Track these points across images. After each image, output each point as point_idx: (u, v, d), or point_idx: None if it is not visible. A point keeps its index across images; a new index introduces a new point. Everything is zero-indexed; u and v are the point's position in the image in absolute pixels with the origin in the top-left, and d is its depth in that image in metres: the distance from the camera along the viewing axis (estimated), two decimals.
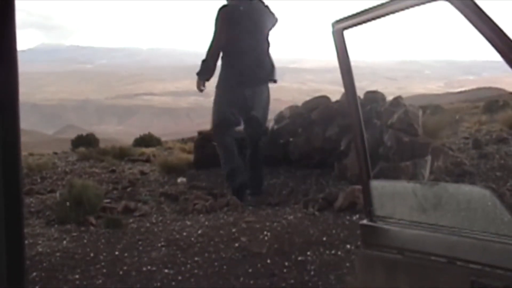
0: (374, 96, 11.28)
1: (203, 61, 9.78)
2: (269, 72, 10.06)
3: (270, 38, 10.13)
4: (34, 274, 6.90)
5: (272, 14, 10.11)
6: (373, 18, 3.50)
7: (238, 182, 10.02)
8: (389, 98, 11.48)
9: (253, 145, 10.35)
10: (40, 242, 8.10)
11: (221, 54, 9.85)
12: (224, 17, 9.61)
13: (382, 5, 3.37)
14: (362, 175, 3.85)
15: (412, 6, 3.22)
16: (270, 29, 10.11)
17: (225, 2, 9.97)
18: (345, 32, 3.74)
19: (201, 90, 10.01)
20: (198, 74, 9.82)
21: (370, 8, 3.48)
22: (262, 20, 9.90)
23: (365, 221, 3.77)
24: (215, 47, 9.67)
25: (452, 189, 3.40)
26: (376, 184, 3.74)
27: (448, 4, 2.91)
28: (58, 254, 7.72)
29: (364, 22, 3.61)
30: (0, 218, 1.34)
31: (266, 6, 10.08)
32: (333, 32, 3.75)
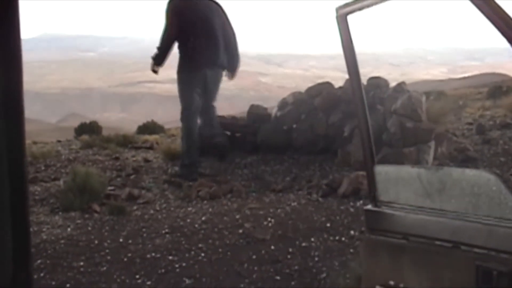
0: (377, 82, 11.26)
1: (158, 48, 10.65)
2: (223, 59, 10.98)
3: (234, 31, 11.23)
4: (39, 261, 6.92)
5: (223, 11, 11.00)
6: (377, 3, 3.49)
7: (191, 175, 10.70)
8: (393, 84, 11.46)
9: (204, 108, 11.09)
10: (44, 229, 8.12)
11: (176, 43, 10.74)
12: (174, 9, 10.49)
13: None
14: (366, 160, 3.84)
15: None
16: (225, 23, 11.02)
17: None
18: (349, 18, 3.73)
19: (155, 72, 10.83)
20: (153, 58, 10.70)
21: None
22: (212, 13, 10.73)
23: (369, 207, 3.76)
24: (168, 36, 10.55)
25: (457, 174, 3.39)
26: (380, 169, 3.73)
27: None
28: (62, 241, 7.74)
29: (368, 6, 3.59)
30: (5, 206, 1.34)
31: (217, 4, 10.97)
32: (337, 17, 3.73)
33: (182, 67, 10.77)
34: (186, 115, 10.89)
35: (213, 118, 11.40)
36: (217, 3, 10.97)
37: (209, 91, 10.96)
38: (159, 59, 10.70)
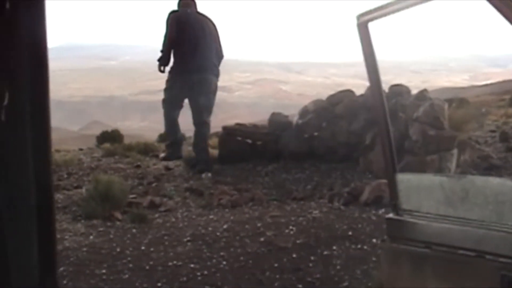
0: (399, 90, 11.23)
1: (162, 51, 12.39)
2: (212, 66, 12.34)
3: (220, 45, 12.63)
4: (62, 268, 6.94)
5: (214, 25, 12.59)
6: (397, 11, 3.49)
7: (175, 153, 12.50)
8: (414, 91, 11.42)
9: (196, 124, 12.29)
10: (67, 237, 8.15)
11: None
12: (173, 18, 12.14)
13: None
14: (388, 168, 3.83)
15: None
16: (216, 36, 12.59)
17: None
18: (370, 25, 3.72)
19: (161, 71, 12.47)
20: (158, 60, 12.39)
21: (395, 1, 3.46)
22: (205, 26, 12.30)
23: (391, 215, 3.75)
24: (168, 42, 12.14)
25: (480, 182, 3.38)
26: (402, 178, 3.72)
27: None
28: (85, 249, 7.77)
29: (389, 14, 3.59)
30: (32, 213, 1.35)
31: (206, 17, 12.56)
32: (358, 25, 3.73)
33: (173, 68, 12.32)
34: (165, 104, 12.53)
35: (202, 140, 12.30)
36: (208, 18, 12.54)
37: (197, 93, 12.05)
38: (163, 60, 12.35)
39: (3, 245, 1.31)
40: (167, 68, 12.51)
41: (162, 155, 12.87)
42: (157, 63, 12.38)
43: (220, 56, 12.61)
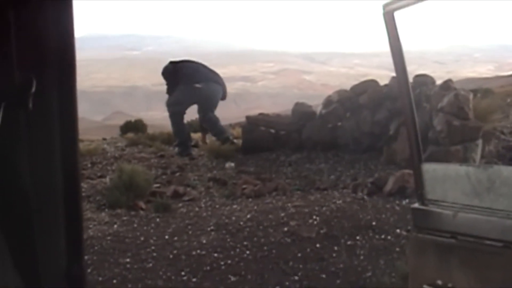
0: (423, 80, 11.16)
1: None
2: (215, 77, 13.80)
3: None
4: (86, 257, 6.97)
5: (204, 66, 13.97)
6: (423, 0, 3.47)
7: (185, 151, 12.69)
8: (438, 82, 11.35)
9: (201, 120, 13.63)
10: (91, 226, 8.19)
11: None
12: (167, 73, 13.66)
13: None
14: (413, 158, 3.81)
15: None
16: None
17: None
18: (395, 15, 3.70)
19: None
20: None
21: None
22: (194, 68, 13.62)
23: (416, 205, 3.73)
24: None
25: (507, 172, 3.35)
26: (428, 167, 3.70)
27: None
28: (109, 238, 7.81)
29: (415, 3, 3.57)
30: (59, 202, 1.35)
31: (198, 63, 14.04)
32: (384, 14, 3.71)
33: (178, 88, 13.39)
34: (172, 110, 13.18)
35: (214, 124, 13.49)
36: (198, 63, 14.06)
37: (200, 99, 13.22)
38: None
39: (31, 233, 1.31)
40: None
41: (176, 150, 13.04)
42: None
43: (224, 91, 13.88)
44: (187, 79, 13.14)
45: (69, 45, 1.35)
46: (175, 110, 13.02)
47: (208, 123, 13.39)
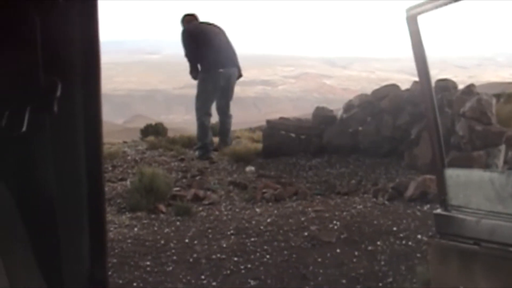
0: (445, 84, 11.11)
1: (190, 66, 13.06)
2: (234, 59, 13.30)
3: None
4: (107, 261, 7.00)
5: (220, 28, 13.47)
6: (447, 3, 3.45)
7: (205, 154, 12.62)
8: (460, 86, 11.31)
9: (221, 114, 13.40)
10: (112, 229, 8.22)
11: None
12: (187, 35, 13.01)
13: None
14: (436, 163, 3.79)
15: None
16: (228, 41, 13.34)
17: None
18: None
19: (196, 79, 13.07)
20: (190, 73, 13.08)
21: None
22: (215, 31, 13.20)
23: (439, 211, 3.72)
24: (191, 58, 13.02)
25: None
26: (451, 173, 3.68)
27: None
28: (129, 241, 7.83)
29: (438, 7, 3.55)
30: (83, 206, 1.36)
31: (211, 24, 13.62)
32: (407, 18, 3.70)
33: (202, 70, 12.89)
34: (201, 113, 12.84)
35: (226, 129, 13.45)
36: (213, 24, 13.59)
37: (225, 87, 12.94)
38: (193, 73, 13.05)
39: (54, 235, 1.32)
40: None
41: (196, 153, 12.99)
42: (190, 75, 13.19)
43: (235, 51, 13.48)
44: (210, 61, 12.84)
45: (94, 49, 1.36)
46: (203, 114, 12.89)
47: (227, 118, 13.37)
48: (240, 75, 13.51)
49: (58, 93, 1.26)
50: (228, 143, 13.08)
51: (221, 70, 12.75)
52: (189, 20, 13.26)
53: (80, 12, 1.32)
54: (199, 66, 12.94)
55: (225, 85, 12.92)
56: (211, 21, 13.63)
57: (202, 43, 12.80)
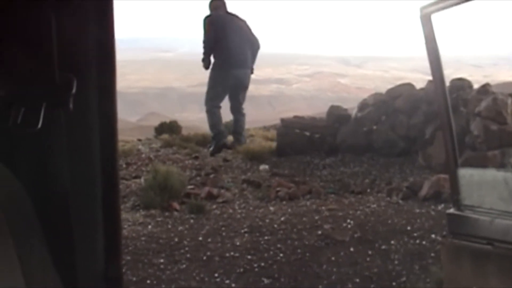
0: (460, 84, 11.07)
1: (204, 53, 12.94)
2: (249, 60, 13.12)
3: (255, 37, 13.39)
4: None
5: (244, 21, 13.28)
6: (461, 2, 3.45)
7: (221, 142, 12.77)
8: (475, 86, 11.28)
9: (234, 113, 13.30)
10: (126, 226, 8.24)
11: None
12: (210, 21, 12.79)
13: None
14: (449, 163, 3.79)
15: None
16: (248, 30, 13.25)
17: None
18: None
19: (207, 69, 13.04)
20: (202, 61, 12.97)
21: None
22: (239, 24, 13.05)
23: (452, 210, 3.72)
24: (207, 46, 12.85)
25: None
26: (464, 173, 3.68)
27: None
28: (143, 238, 7.86)
29: (452, 6, 3.55)
30: (98, 204, 1.37)
31: (236, 16, 13.23)
32: (421, 17, 3.70)
33: (215, 66, 12.89)
34: (210, 104, 12.99)
35: (241, 127, 13.35)
36: (237, 16, 13.24)
37: (237, 87, 12.93)
38: (206, 62, 12.98)
39: (69, 233, 1.33)
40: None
41: (211, 148, 13.01)
42: (202, 63, 13.05)
43: (255, 47, 13.42)
44: (224, 59, 12.75)
45: (108, 47, 1.37)
46: (211, 106, 13.00)
47: (241, 116, 13.30)
48: (251, 73, 13.44)
49: (73, 90, 1.27)
50: (242, 142, 12.96)
51: (233, 71, 12.66)
52: (216, 6, 13.05)
53: (96, 11, 1.33)
54: (212, 58, 12.90)
55: (237, 85, 12.92)
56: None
57: (222, 36, 12.68)
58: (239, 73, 12.79)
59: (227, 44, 12.65)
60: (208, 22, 12.81)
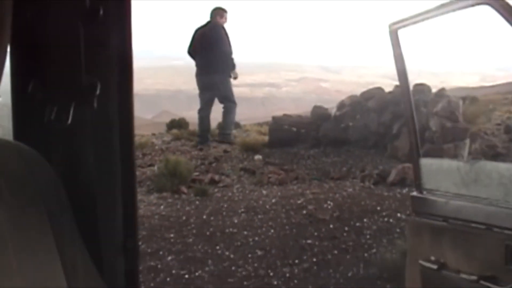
0: (421, 88, 11.10)
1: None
2: (229, 67, 12.53)
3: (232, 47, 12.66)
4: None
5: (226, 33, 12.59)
6: (424, 19, 3.47)
7: (205, 141, 12.53)
8: (433, 90, 11.34)
9: (223, 101, 12.76)
10: (141, 207, 8.25)
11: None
12: (196, 34, 12.59)
13: (431, 10, 3.35)
14: (413, 154, 3.81)
15: (455, 10, 3.20)
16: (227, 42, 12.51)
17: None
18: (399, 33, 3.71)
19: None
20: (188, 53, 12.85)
21: (421, 13, 3.45)
22: (218, 37, 12.36)
23: (415, 193, 3.74)
24: (191, 53, 12.73)
25: (490, 167, 3.35)
26: (425, 162, 3.70)
27: (487, 7, 2.89)
28: (156, 217, 7.87)
29: (416, 23, 3.57)
30: (117, 186, 1.38)
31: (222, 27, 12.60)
32: (390, 32, 3.71)
33: (197, 74, 12.75)
34: (200, 108, 12.72)
35: (226, 119, 12.97)
36: (222, 27, 12.56)
37: (219, 89, 12.50)
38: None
39: (94, 212, 1.34)
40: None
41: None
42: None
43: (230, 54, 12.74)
44: (205, 66, 12.40)
45: (127, 54, 1.38)
46: (203, 114, 12.70)
47: (231, 103, 12.85)
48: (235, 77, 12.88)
49: (98, 91, 1.28)
50: (227, 139, 12.75)
51: (205, 76, 12.43)
52: (215, 15, 12.61)
53: (117, 23, 1.34)
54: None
55: (217, 87, 12.51)
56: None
57: (200, 44, 12.38)
58: (218, 77, 12.43)
59: (205, 53, 12.34)
60: (195, 35, 12.66)
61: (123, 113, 1.37)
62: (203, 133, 12.77)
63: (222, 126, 13.14)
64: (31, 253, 0.98)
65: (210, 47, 12.31)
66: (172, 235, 7.21)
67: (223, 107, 12.91)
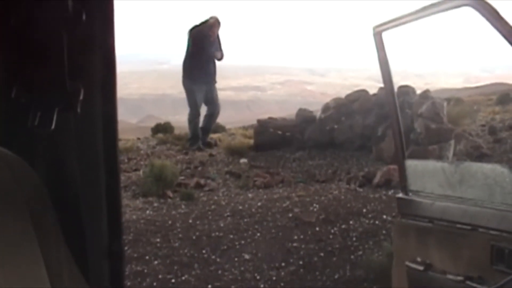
0: (406, 90, 11.16)
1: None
2: (215, 71, 12.68)
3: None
4: (123, 237, 7.00)
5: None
6: (408, 22, 3.49)
7: (196, 145, 12.49)
8: (418, 92, 11.40)
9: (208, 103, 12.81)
10: (127, 211, 8.23)
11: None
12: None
13: (414, 12, 3.37)
14: (398, 155, 3.82)
15: (438, 11, 3.22)
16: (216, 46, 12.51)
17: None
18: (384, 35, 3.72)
19: None
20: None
21: (404, 15, 3.47)
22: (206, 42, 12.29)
23: (400, 195, 3.75)
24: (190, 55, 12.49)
25: (475, 168, 3.37)
26: (410, 163, 3.72)
27: (470, 9, 2.91)
28: (142, 221, 7.85)
29: (399, 25, 3.59)
30: (102, 190, 1.38)
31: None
32: (374, 35, 3.72)
33: (185, 79, 12.75)
34: (190, 112, 12.63)
35: (206, 125, 12.90)
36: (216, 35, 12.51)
37: (206, 93, 12.53)
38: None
39: (78, 216, 1.34)
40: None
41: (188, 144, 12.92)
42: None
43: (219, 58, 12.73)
44: (196, 73, 12.34)
45: (111, 59, 1.38)
46: (192, 118, 12.68)
47: (215, 107, 12.92)
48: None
49: (81, 96, 1.27)
50: (199, 144, 12.71)
51: (203, 84, 12.45)
52: (210, 23, 12.59)
53: (100, 28, 1.34)
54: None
55: (205, 90, 12.56)
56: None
57: (201, 51, 12.34)
58: (207, 86, 12.55)
59: (194, 60, 12.41)
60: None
61: (107, 118, 1.38)
62: (194, 135, 12.75)
63: (204, 130, 13.01)
64: (15, 257, 0.98)
65: (198, 51, 12.29)
66: (158, 240, 7.19)
67: (207, 111, 12.89)
